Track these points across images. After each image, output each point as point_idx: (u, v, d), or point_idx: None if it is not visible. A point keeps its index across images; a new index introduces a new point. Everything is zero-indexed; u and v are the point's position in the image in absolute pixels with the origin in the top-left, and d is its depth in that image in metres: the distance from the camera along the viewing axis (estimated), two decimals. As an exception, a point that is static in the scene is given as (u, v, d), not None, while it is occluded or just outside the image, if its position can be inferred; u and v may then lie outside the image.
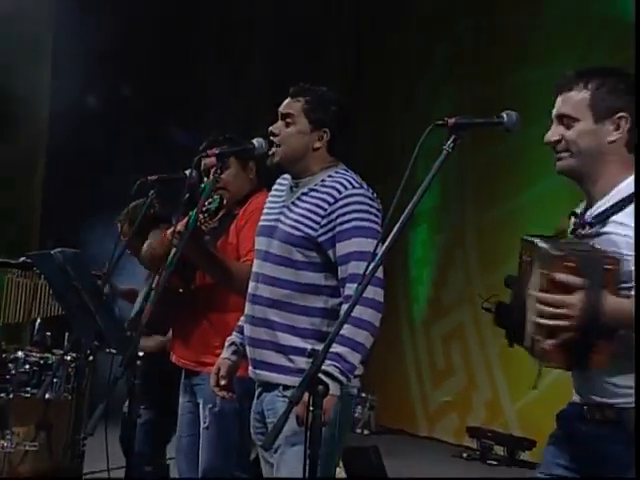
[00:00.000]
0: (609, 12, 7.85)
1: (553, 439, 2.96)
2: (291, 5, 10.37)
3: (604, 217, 2.79)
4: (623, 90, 2.85)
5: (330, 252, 3.48)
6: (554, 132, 2.87)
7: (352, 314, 3.21)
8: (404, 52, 9.90)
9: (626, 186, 2.81)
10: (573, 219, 2.91)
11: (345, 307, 3.29)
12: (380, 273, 3.30)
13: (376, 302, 3.40)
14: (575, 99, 2.85)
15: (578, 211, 2.92)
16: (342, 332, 3.25)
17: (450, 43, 9.52)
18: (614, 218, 2.78)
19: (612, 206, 2.80)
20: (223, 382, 3.67)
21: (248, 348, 3.61)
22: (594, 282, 2.58)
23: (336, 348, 3.27)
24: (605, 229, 2.78)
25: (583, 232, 2.82)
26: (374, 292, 3.38)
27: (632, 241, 2.69)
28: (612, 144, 2.83)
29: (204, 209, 3.90)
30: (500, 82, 8.50)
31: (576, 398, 2.90)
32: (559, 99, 2.88)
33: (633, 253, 2.68)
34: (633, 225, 2.71)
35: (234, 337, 3.73)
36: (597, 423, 2.82)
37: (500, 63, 8.77)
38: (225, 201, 4.14)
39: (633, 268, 2.66)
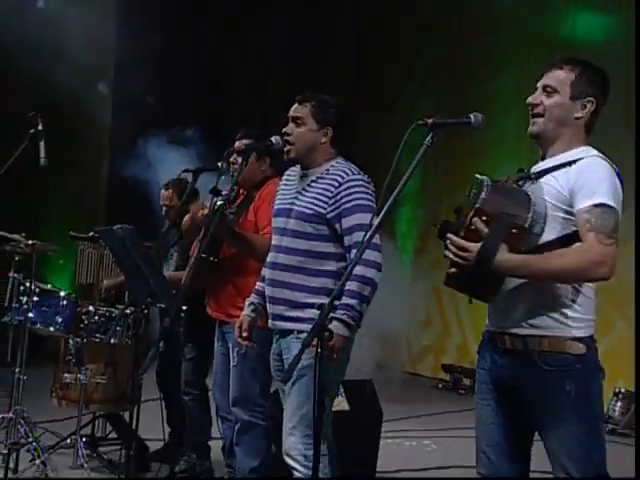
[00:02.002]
0: (557, 35, 7.77)
1: (479, 367, 2.96)
2: (292, 6, 9.91)
3: (544, 172, 2.79)
4: (597, 81, 2.85)
5: (337, 226, 3.49)
6: (537, 97, 2.85)
7: (358, 273, 3.30)
8: (396, 55, 9.65)
9: (571, 154, 2.79)
10: (520, 173, 2.89)
11: (356, 267, 3.32)
12: (378, 240, 3.33)
13: (377, 263, 3.43)
14: (562, 76, 2.82)
15: (525, 168, 2.91)
16: (351, 288, 3.32)
17: (432, 53, 9.38)
18: (552, 174, 2.77)
19: (553, 167, 2.79)
20: (245, 334, 3.69)
21: (269, 305, 3.61)
22: (494, 237, 2.60)
23: (347, 300, 3.33)
24: (541, 180, 2.78)
25: (523, 182, 2.82)
26: (375, 255, 3.41)
27: (553, 191, 2.73)
28: (577, 120, 2.82)
29: (225, 197, 3.95)
30: (468, 91, 8.44)
31: (489, 326, 2.88)
32: (548, 73, 2.85)
33: (553, 201, 2.71)
34: (560, 180, 2.73)
35: (252, 298, 3.74)
36: (505, 350, 2.79)
37: (467, 76, 8.69)
38: (241, 190, 4.20)
39: (553, 213, 2.70)
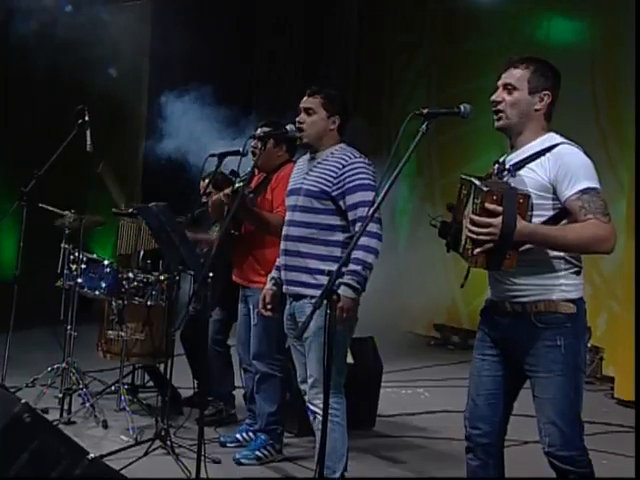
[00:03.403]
0: (532, 38, 7.69)
1: (480, 328, 2.90)
2: (293, 8, 9.67)
3: (521, 165, 2.73)
4: (550, 75, 2.79)
5: (341, 202, 3.47)
6: (499, 95, 2.80)
7: (363, 243, 3.29)
8: (393, 55, 9.47)
9: (539, 143, 2.74)
10: (495, 165, 2.84)
11: (361, 238, 3.30)
12: (379, 214, 3.30)
13: (378, 234, 3.40)
14: (519, 74, 2.77)
15: (500, 160, 2.86)
16: (357, 256, 3.30)
17: (422, 54, 9.26)
18: (528, 166, 2.71)
19: (527, 157, 2.73)
20: (269, 307, 3.67)
21: (283, 272, 3.58)
22: (510, 210, 2.53)
23: (353, 267, 3.31)
24: (520, 172, 2.72)
25: (503, 175, 2.77)
26: (377, 227, 3.39)
27: (535, 182, 2.67)
28: (536, 112, 2.77)
29: (243, 178, 3.94)
30: (456, 87, 8.34)
31: (491, 296, 2.84)
32: (506, 72, 2.80)
33: (537, 191, 2.65)
34: (539, 171, 2.68)
35: (273, 274, 3.71)
36: (506, 313, 2.75)
37: (453, 72, 8.58)
38: (256, 172, 4.15)
39: (537, 201, 2.63)
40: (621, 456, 4.50)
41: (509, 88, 2.77)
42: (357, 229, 3.39)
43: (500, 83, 2.81)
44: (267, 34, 10.02)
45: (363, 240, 3.29)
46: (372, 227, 3.32)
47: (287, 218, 3.62)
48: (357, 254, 3.32)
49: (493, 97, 2.81)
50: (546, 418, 2.69)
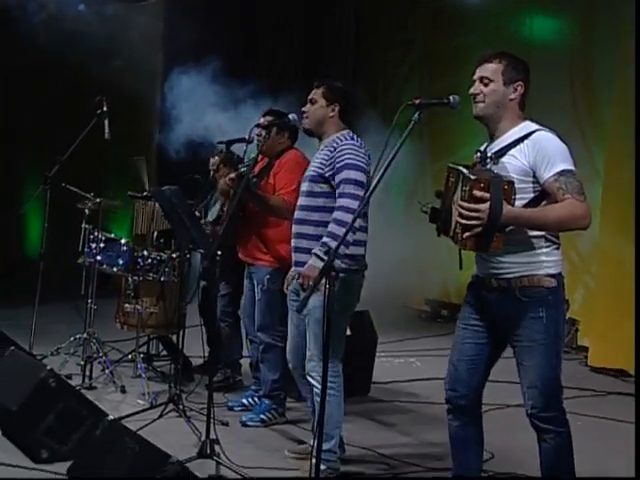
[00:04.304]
0: (516, 35, 7.65)
1: (466, 301, 2.91)
2: (293, 10, 9.56)
3: (502, 152, 2.73)
4: (521, 68, 2.79)
5: (332, 182, 3.46)
6: (476, 87, 2.80)
7: (336, 217, 3.25)
8: (388, 50, 9.37)
9: (517, 131, 2.74)
10: (478, 154, 2.83)
11: (336, 212, 3.32)
12: (360, 192, 3.30)
13: (355, 211, 3.35)
14: (493, 68, 2.77)
15: (481, 148, 2.85)
16: (330, 229, 3.29)
17: (414, 51, 9.20)
18: (509, 152, 2.71)
19: (507, 145, 2.73)
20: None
21: (292, 253, 3.58)
22: (497, 196, 2.54)
23: (324, 239, 3.30)
24: (502, 159, 2.72)
25: (487, 162, 2.76)
26: (355, 205, 3.32)
27: (516, 168, 2.67)
28: (511, 101, 2.77)
29: (247, 164, 3.93)
30: (446, 81, 8.29)
31: (478, 273, 2.85)
32: (481, 67, 2.79)
33: (519, 176, 2.65)
34: (519, 157, 2.68)
35: None
36: (492, 289, 2.76)
37: (443, 67, 8.53)
38: (259, 158, 4.10)
39: (519, 185, 2.62)
40: (593, 417, 4.56)
41: (485, 81, 2.77)
42: (338, 203, 3.38)
43: (476, 77, 2.81)
44: (267, 34, 9.92)
45: (338, 214, 3.29)
46: (351, 204, 3.30)
47: (298, 203, 3.62)
48: (331, 227, 3.31)
49: (471, 90, 2.81)
50: (530, 383, 2.71)
